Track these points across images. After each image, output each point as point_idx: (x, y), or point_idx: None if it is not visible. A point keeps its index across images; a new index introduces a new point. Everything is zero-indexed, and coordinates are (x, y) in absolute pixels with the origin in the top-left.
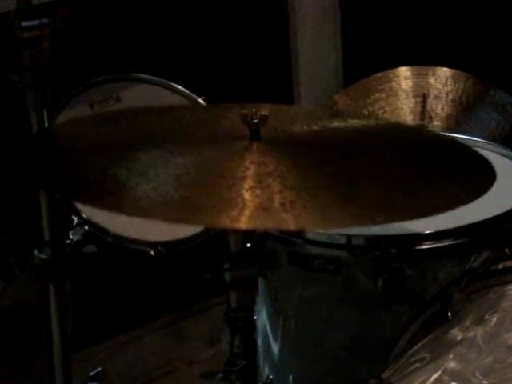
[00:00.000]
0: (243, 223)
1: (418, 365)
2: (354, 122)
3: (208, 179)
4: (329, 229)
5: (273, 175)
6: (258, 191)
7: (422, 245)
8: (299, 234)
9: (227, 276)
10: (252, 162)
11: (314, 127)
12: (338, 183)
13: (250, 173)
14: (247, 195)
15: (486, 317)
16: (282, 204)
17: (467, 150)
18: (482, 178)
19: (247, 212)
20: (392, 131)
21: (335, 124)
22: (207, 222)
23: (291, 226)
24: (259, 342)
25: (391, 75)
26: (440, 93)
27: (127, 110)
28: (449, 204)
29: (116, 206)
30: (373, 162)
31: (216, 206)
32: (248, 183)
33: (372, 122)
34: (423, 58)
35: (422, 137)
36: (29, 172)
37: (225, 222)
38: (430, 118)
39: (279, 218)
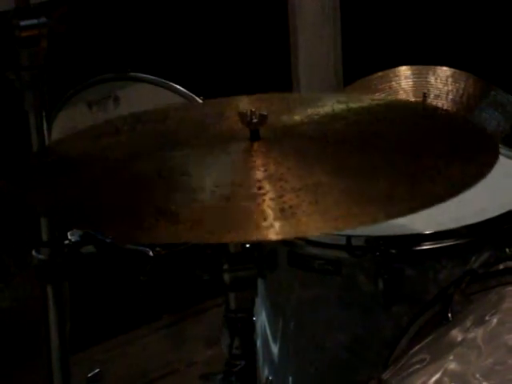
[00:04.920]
0: (249, 236)
1: (418, 366)
2: (354, 106)
3: (207, 191)
4: (332, 232)
5: (273, 178)
6: (260, 198)
7: (422, 245)
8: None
9: (226, 277)
10: (251, 167)
11: (315, 117)
12: (340, 180)
13: (249, 179)
14: (251, 204)
15: (487, 318)
16: (283, 210)
17: (469, 125)
18: (483, 156)
19: (247, 224)
20: (392, 111)
21: (336, 109)
22: (209, 238)
23: (305, 232)
24: (259, 343)
25: (391, 75)
26: (440, 92)
27: (126, 117)
28: (451, 191)
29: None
30: (374, 151)
31: (219, 220)
32: (250, 190)
33: (373, 103)
34: (423, 58)
35: (423, 113)
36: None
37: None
38: None
39: (285, 225)
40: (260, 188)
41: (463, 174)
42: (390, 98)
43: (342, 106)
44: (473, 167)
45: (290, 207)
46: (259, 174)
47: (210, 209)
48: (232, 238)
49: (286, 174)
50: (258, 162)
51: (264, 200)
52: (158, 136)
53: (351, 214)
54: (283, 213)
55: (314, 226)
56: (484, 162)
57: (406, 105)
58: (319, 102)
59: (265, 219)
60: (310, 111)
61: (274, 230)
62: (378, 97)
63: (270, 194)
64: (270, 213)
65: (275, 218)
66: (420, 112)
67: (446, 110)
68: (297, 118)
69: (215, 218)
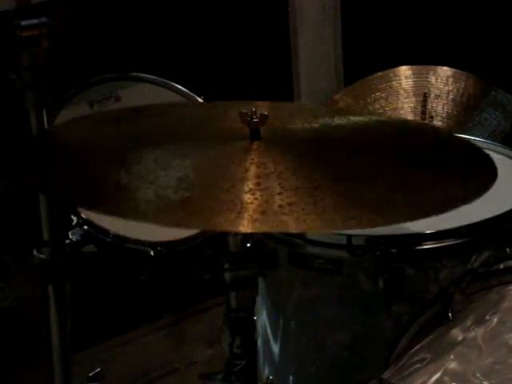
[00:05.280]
0: (241, 226)
1: (418, 365)
2: (355, 120)
3: (207, 182)
4: (328, 230)
5: (272, 176)
6: (257, 193)
7: (422, 245)
8: (299, 234)
9: (227, 276)
10: (251, 163)
11: (315, 125)
12: (338, 183)
13: (249, 174)
14: (246, 197)
15: (487, 317)
16: (281, 206)
17: (469, 147)
18: (483, 175)
19: (246, 215)
20: (393, 127)
21: (336, 121)
22: (205, 225)
23: (289, 228)
24: (259, 342)
25: (392, 74)
26: (441, 92)
27: (127, 109)
28: (449, 203)
29: (116, 211)
30: (373, 160)
31: (214, 209)
32: (247, 185)
33: (373, 118)
34: (424, 57)
35: (424, 133)
36: (28, 175)
37: (223, 225)
38: (431, 117)
39: (278, 220)
40: (259, 184)
41: (462, 189)
42: (390, 116)
43: (342, 120)
44: (472, 184)
45: (289, 204)
46: (258, 171)
47: (208, 200)
48: (231, 227)
49: (285, 173)
50: (257, 159)
51: (262, 195)
52: (157, 130)
53: (346, 217)
54: (282, 209)
55: (311, 224)
56: (483, 181)
57: (411, 125)
58: (320, 112)
59: (263, 213)
60: (311, 119)
61: (270, 224)
62: (379, 114)
63: (269, 191)
64: (268, 208)
65: (273, 213)
66: (423, 132)
67: (446, 130)
68: (298, 123)
69: (212, 210)
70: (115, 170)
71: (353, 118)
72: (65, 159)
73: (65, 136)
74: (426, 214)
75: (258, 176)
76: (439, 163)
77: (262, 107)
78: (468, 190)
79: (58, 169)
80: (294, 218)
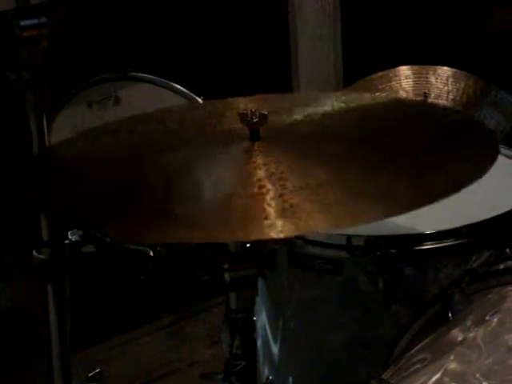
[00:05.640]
0: (245, 235)
1: (418, 366)
2: (353, 105)
3: (208, 191)
4: (333, 229)
5: (273, 178)
6: (258, 197)
7: (422, 245)
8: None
9: (227, 276)
10: (252, 167)
11: (315, 117)
12: (341, 178)
13: (250, 178)
14: (248, 203)
15: (487, 317)
16: (284, 209)
17: (469, 121)
18: (484, 151)
19: (248, 223)
20: (393, 109)
21: (335, 107)
22: (209, 237)
23: (294, 232)
24: (259, 342)
25: (392, 74)
26: (441, 92)
27: (125, 119)
28: (453, 185)
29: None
30: (375, 149)
31: (216, 219)
32: (248, 190)
33: (372, 101)
34: (424, 57)
35: (424, 111)
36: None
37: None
38: None
39: (280, 225)
40: (261, 187)
41: (464, 171)
42: (390, 96)
43: (342, 105)
44: (473, 164)
45: (291, 206)
46: (260, 174)
47: (211, 209)
48: (233, 237)
49: (287, 172)
50: (259, 161)
51: (265, 199)
52: (158, 136)
53: (352, 212)
54: (284, 212)
55: (315, 224)
56: (484, 159)
57: (406, 103)
58: (319, 100)
59: (266, 218)
60: (309, 110)
61: (275, 229)
62: (378, 95)
63: (271, 193)
64: (271, 212)
65: (276, 217)
66: (420, 110)
67: (446, 107)
68: (297, 117)
69: (216, 218)
70: (118, 190)
71: (352, 104)
72: (65, 178)
73: (64, 154)
74: (430, 199)
75: (258, 180)
76: (439, 144)
77: (259, 101)
78: (469, 170)
79: (58, 188)
80: (297, 220)
